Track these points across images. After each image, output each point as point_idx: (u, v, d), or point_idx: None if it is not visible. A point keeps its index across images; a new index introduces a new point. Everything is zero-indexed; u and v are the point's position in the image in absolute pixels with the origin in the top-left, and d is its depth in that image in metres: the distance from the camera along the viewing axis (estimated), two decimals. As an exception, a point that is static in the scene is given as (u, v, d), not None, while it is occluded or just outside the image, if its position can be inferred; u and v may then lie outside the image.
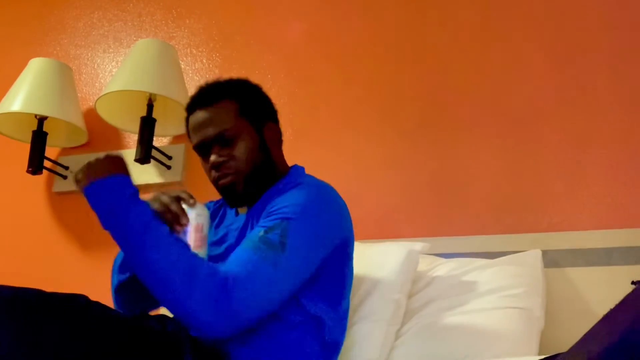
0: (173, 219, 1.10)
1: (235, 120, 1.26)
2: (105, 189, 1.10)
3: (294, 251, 1.10)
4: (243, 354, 1.13)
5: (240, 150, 1.24)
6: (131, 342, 1.01)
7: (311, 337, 1.19)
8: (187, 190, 1.15)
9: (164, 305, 1.08)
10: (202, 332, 1.05)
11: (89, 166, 1.14)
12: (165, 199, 1.13)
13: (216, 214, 1.38)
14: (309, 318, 1.19)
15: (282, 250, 1.09)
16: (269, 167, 1.29)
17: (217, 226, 1.34)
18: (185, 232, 1.10)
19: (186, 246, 1.07)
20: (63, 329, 0.92)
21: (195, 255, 1.06)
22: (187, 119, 1.31)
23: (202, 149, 1.27)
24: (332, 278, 1.23)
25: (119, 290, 1.27)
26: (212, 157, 1.24)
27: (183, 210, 1.11)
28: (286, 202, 1.17)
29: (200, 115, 1.26)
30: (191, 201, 1.12)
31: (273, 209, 1.17)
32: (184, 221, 1.10)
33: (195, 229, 1.10)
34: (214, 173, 1.25)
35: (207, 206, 1.40)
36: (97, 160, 1.13)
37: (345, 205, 1.29)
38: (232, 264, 1.07)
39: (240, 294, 1.02)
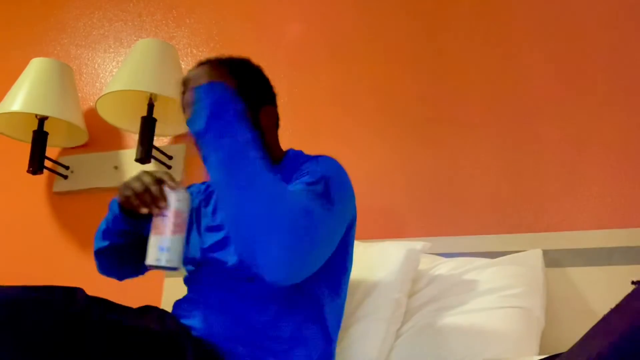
0: (151, 201, 1.08)
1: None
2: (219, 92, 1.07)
3: (338, 205, 1.10)
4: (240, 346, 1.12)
5: None
6: (128, 343, 1.00)
7: (312, 321, 1.17)
8: (170, 173, 1.11)
9: (245, 244, 1.00)
10: (275, 270, 0.98)
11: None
12: (146, 179, 1.10)
13: (210, 197, 1.32)
14: (311, 300, 1.17)
15: (329, 202, 1.07)
16: (268, 145, 1.24)
17: (215, 212, 1.28)
18: (163, 216, 1.07)
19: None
20: (59, 331, 0.91)
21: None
22: (183, 93, 1.26)
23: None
24: (337, 260, 1.20)
25: (99, 255, 1.30)
26: None
27: (163, 193, 1.08)
28: (319, 165, 1.15)
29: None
30: (172, 184, 1.09)
31: (305, 170, 1.14)
32: (162, 204, 1.07)
33: (174, 214, 1.07)
34: None
35: (199, 187, 1.37)
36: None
37: None
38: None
39: (316, 236, 1.00)
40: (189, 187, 1.38)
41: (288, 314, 1.15)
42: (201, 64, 1.28)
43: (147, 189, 1.09)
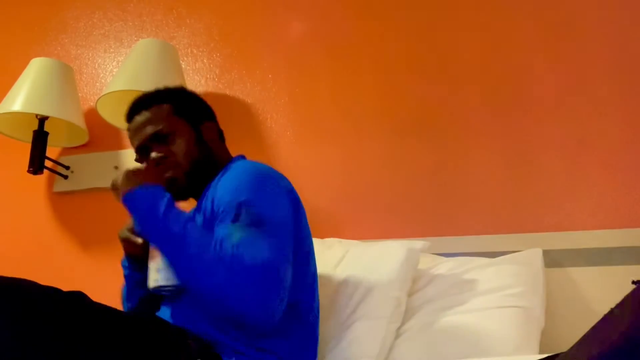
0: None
1: (170, 119, 1.32)
2: (141, 198, 1.16)
3: (270, 221, 1.13)
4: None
5: (178, 146, 1.30)
6: (132, 337, 1.02)
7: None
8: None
9: (218, 307, 1.09)
10: (261, 323, 1.07)
11: (127, 176, 1.19)
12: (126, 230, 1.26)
13: None
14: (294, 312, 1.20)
15: (260, 224, 1.11)
16: (210, 162, 1.33)
17: None
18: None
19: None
20: (62, 323, 0.93)
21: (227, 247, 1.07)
22: (127, 130, 1.36)
23: (143, 151, 1.32)
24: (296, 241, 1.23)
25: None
26: (152, 155, 1.29)
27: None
28: (229, 193, 1.18)
29: (136, 120, 1.33)
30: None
31: (218, 203, 1.18)
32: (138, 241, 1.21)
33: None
34: (156, 171, 1.27)
35: None
36: (135, 172, 1.19)
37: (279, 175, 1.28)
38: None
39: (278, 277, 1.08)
40: None
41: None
42: (135, 98, 1.37)
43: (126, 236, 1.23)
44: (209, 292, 1.07)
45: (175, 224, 1.10)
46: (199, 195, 1.31)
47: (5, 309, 0.88)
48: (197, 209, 1.29)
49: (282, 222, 1.17)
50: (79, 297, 0.99)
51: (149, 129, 1.30)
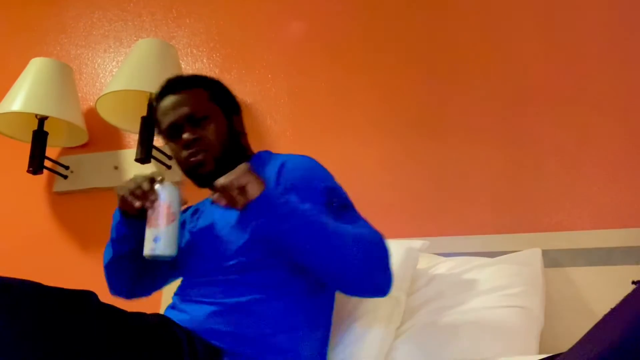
0: (143, 196, 1.17)
1: (206, 104, 1.33)
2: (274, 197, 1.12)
3: (353, 206, 1.26)
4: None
5: (211, 130, 1.30)
6: (128, 328, 1.03)
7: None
8: (160, 171, 1.18)
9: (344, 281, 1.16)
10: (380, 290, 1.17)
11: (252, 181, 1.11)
12: (139, 178, 1.20)
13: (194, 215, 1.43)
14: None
15: (351, 208, 1.24)
16: (238, 152, 1.35)
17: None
18: (154, 209, 1.16)
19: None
20: (64, 324, 0.93)
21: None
22: (155, 107, 1.36)
23: (173, 130, 1.32)
24: None
25: (108, 270, 1.37)
26: (185, 135, 1.29)
27: (153, 188, 1.18)
28: (315, 179, 1.25)
29: (171, 98, 1.33)
30: (159, 178, 1.19)
31: (298, 185, 1.22)
32: (152, 197, 1.17)
33: (164, 206, 1.16)
34: (184, 152, 1.30)
35: (192, 207, 1.46)
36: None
37: None
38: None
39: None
40: (185, 210, 1.45)
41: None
42: (171, 78, 1.38)
43: (138, 186, 1.18)
44: (349, 268, 1.12)
45: (311, 212, 1.12)
46: None
47: (8, 310, 0.88)
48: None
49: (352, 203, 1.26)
50: (85, 297, 0.99)
51: (185, 109, 1.30)
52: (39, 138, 2.15)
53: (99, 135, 2.29)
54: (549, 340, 1.44)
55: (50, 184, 2.33)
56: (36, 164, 2.13)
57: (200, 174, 1.30)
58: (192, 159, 1.29)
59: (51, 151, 2.26)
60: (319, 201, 1.19)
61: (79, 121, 2.17)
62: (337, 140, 2.01)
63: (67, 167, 2.29)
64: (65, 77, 2.21)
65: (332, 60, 2.11)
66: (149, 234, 1.17)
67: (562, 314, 1.53)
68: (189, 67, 2.29)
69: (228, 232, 1.25)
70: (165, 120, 1.32)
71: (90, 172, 2.27)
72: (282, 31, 2.21)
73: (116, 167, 2.23)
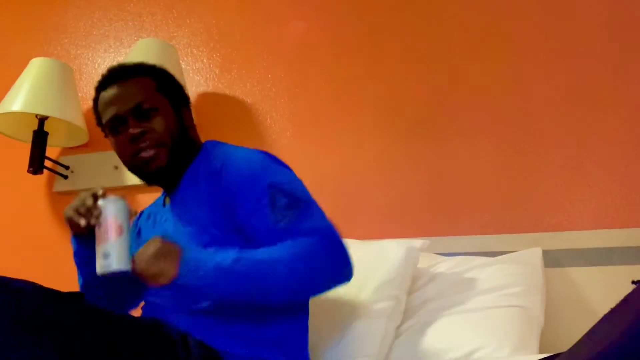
0: (87, 213, 1.12)
1: (154, 95, 1.24)
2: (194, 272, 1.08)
3: (304, 195, 1.18)
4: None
5: (159, 123, 1.22)
6: (128, 339, 1.02)
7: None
8: (103, 187, 1.15)
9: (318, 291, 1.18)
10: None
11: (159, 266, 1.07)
12: (82, 194, 1.15)
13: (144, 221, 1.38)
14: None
15: (299, 202, 1.15)
16: (187, 146, 1.27)
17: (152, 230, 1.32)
18: (99, 225, 1.12)
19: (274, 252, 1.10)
20: (63, 327, 0.93)
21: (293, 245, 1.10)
22: (96, 98, 1.28)
23: (116, 123, 1.23)
24: None
25: (87, 294, 1.29)
26: (131, 130, 1.20)
27: (96, 204, 1.13)
28: (257, 179, 1.17)
29: (115, 89, 1.23)
30: (101, 192, 1.13)
31: (234, 189, 1.17)
32: (96, 213, 1.11)
33: (109, 220, 1.12)
34: (131, 147, 1.22)
35: (143, 212, 1.42)
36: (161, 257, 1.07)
37: None
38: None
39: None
40: (139, 217, 1.41)
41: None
42: (114, 67, 1.29)
43: (82, 204, 1.13)
44: (311, 285, 1.13)
45: (246, 267, 1.07)
46: (170, 183, 1.28)
47: (6, 311, 0.88)
48: (175, 199, 1.26)
49: (307, 195, 1.19)
50: (79, 299, 0.99)
51: (129, 102, 1.21)
52: (39, 138, 2.14)
53: (99, 135, 2.26)
54: (549, 340, 1.44)
55: (50, 184, 2.33)
56: (36, 164, 2.13)
57: (149, 171, 1.22)
58: (142, 155, 1.21)
59: (51, 151, 2.26)
60: (261, 203, 1.14)
61: (79, 121, 2.16)
62: (337, 140, 2.01)
63: (67, 167, 2.29)
64: (66, 77, 2.20)
65: (332, 61, 2.11)
66: (99, 250, 1.11)
67: (562, 314, 1.53)
68: (189, 67, 2.29)
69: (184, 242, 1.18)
70: (108, 112, 1.23)
71: (90, 172, 2.26)
72: (282, 31, 2.21)
73: (116, 167, 2.23)
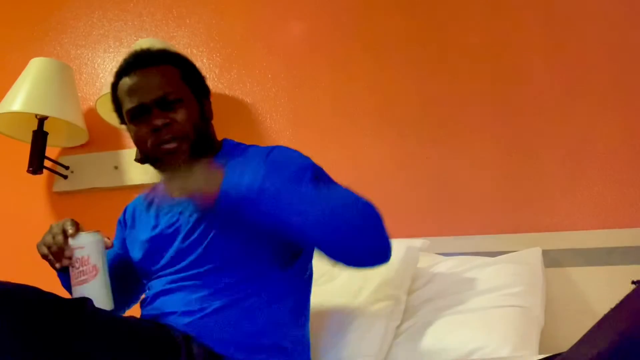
0: (59, 253, 1.08)
1: (178, 85, 1.21)
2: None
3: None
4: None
5: (184, 114, 1.19)
6: (123, 333, 1.01)
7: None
8: (72, 219, 1.09)
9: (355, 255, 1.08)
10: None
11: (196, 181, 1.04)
12: (54, 229, 1.11)
13: (151, 204, 1.33)
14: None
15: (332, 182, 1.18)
16: (209, 139, 1.26)
17: (156, 214, 1.28)
18: (73, 266, 1.06)
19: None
20: (61, 329, 0.92)
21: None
22: (117, 83, 1.25)
23: (138, 112, 1.20)
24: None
25: None
26: (155, 120, 1.17)
27: (67, 243, 1.07)
28: (294, 161, 1.19)
29: (138, 76, 1.20)
30: (70, 231, 1.07)
31: (287, 167, 1.16)
32: (67, 254, 1.07)
33: (81, 262, 1.06)
34: (153, 138, 1.18)
35: (128, 207, 1.41)
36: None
37: None
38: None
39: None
40: (124, 216, 1.40)
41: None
42: (138, 52, 1.25)
43: (54, 243, 1.09)
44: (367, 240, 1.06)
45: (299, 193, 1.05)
46: None
47: (6, 316, 0.87)
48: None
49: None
50: (81, 304, 0.97)
51: (154, 92, 1.18)
52: (39, 138, 2.14)
53: (99, 135, 2.29)
54: (549, 340, 1.44)
55: (50, 184, 2.33)
56: (36, 164, 2.13)
57: (170, 163, 1.18)
58: (165, 146, 1.17)
59: (51, 151, 2.26)
60: (306, 177, 1.14)
61: (79, 121, 2.16)
62: (337, 140, 2.01)
63: (67, 167, 2.29)
64: (65, 77, 2.20)
65: (332, 61, 2.11)
66: (75, 292, 1.06)
67: (562, 314, 1.53)
68: (189, 67, 2.29)
69: (178, 244, 1.17)
70: (131, 101, 1.20)
71: (90, 172, 2.27)
72: (282, 31, 2.21)
73: (116, 167, 2.23)
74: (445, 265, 1.56)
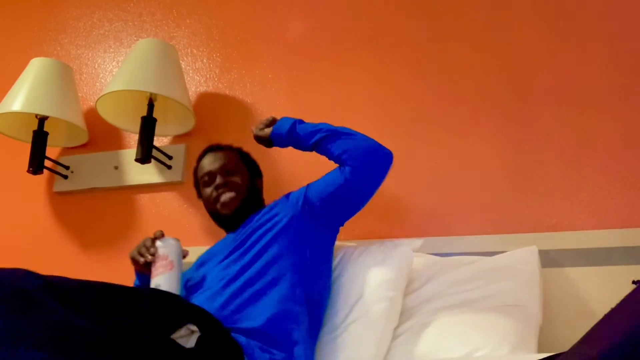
0: (144, 251, 1.35)
1: (237, 162, 1.70)
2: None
3: None
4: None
5: (238, 179, 1.65)
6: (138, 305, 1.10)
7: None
8: (160, 230, 1.38)
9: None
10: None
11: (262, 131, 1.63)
12: (145, 239, 1.40)
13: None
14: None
15: None
16: (256, 200, 1.68)
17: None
18: (155, 261, 1.33)
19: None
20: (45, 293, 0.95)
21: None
22: (200, 159, 1.73)
23: (209, 177, 1.66)
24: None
25: None
26: (217, 180, 1.63)
27: (153, 244, 1.36)
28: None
29: (211, 154, 1.71)
30: (159, 234, 1.37)
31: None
32: (152, 251, 1.34)
33: (161, 257, 1.33)
34: (215, 193, 1.63)
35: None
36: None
37: None
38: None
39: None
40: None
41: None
42: (213, 144, 1.77)
43: (143, 245, 1.38)
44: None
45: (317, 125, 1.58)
46: (237, 226, 1.59)
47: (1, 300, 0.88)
48: (237, 235, 1.55)
49: None
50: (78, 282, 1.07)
51: (219, 163, 1.67)
52: (39, 138, 2.15)
53: (99, 135, 2.30)
54: (549, 340, 1.45)
55: (50, 184, 2.33)
56: (36, 164, 2.13)
57: (230, 208, 1.60)
58: (223, 197, 1.61)
59: (51, 151, 2.26)
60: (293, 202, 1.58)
61: (79, 121, 2.17)
62: (337, 140, 2.00)
63: (67, 167, 2.29)
64: (65, 77, 2.21)
65: (332, 61, 2.11)
66: (152, 282, 1.31)
67: (562, 314, 1.53)
68: (189, 67, 2.30)
69: (217, 289, 1.40)
70: (206, 168, 1.67)
71: (90, 172, 2.27)
72: (282, 31, 2.21)
73: (116, 167, 2.23)
74: (442, 266, 1.56)
